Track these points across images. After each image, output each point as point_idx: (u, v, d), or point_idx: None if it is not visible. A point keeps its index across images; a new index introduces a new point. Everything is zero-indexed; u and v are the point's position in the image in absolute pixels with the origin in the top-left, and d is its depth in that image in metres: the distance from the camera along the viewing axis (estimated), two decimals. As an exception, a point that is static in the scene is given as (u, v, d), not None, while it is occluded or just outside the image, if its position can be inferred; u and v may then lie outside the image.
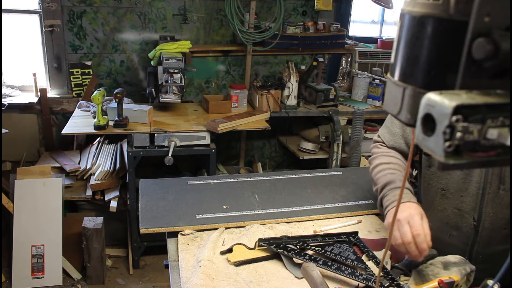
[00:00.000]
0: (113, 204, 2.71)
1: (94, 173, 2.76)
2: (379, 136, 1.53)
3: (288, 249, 1.28)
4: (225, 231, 1.43)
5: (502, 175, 1.25)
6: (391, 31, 4.10)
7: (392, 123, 1.49)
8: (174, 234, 1.40)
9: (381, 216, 1.61)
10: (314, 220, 1.54)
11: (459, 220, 1.33)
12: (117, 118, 2.58)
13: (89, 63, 3.14)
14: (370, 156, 1.54)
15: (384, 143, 1.50)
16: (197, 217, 1.47)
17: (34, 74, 3.06)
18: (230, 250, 1.30)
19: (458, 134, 0.47)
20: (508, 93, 0.49)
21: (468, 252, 1.34)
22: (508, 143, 0.46)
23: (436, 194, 1.38)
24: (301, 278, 1.18)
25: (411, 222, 1.16)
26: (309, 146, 3.20)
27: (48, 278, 2.60)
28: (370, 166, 1.49)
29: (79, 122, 2.66)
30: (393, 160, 1.41)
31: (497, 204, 1.27)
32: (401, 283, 1.15)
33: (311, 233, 1.45)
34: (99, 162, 2.81)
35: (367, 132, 3.25)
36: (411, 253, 1.15)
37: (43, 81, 3.15)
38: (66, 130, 2.55)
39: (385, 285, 1.15)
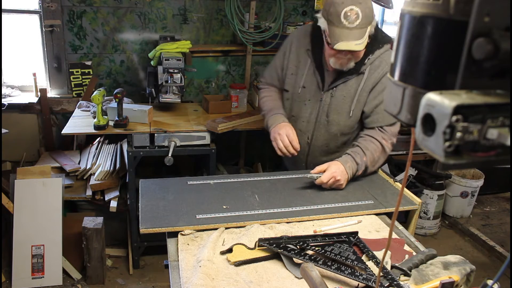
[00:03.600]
0: (113, 204, 2.71)
1: (94, 173, 2.76)
2: (264, 78, 2.16)
3: (288, 249, 1.28)
4: (225, 231, 1.43)
5: (327, 110, 1.90)
6: (391, 31, 4.09)
7: (271, 70, 2.10)
8: (174, 234, 1.40)
9: (381, 216, 1.61)
10: (314, 220, 1.54)
11: (299, 138, 1.92)
12: (117, 118, 2.58)
13: (89, 63, 3.14)
14: None
15: (267, 83, 2.12)
16: (197, 217, 1.47)
17: (34, 74, 3.06)
18: (230, 250, 1.30)
19: (458, 134, 0.47)
20: (508, 93, 0.49)
21: (304, 161, 2.04)
22: (508, 143, 0.46)
23: (289, 117, 1.99)
24: (301, 278, 1.18)
25: (289, 135, 1.86)
26: (309, 146, 3.20)
27: (48, 278, 2.60)
28: (258, 98, 2.15)
29: (79, 122, 2.66)
30: (273, 93, 2.08)
31: (321, 130, 1.94)
32: (401, 283, 1.15)
33: (311, 233, 1.45)
34: (99, 162, 2.81)
35: (367, 132, 3.25)
36: (289, 151, 1.85)
37: (43, 81, 3.15)
38: (66, 130, 2.55)
39: (385, 285, 1.15)
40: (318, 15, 1.75)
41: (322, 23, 1.72)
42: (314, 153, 2.00)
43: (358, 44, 1.65)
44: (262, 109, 2.06)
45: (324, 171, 1.71)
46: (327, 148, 1.98)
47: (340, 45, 1.65)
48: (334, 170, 1.70)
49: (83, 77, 3.13)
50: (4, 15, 2.92)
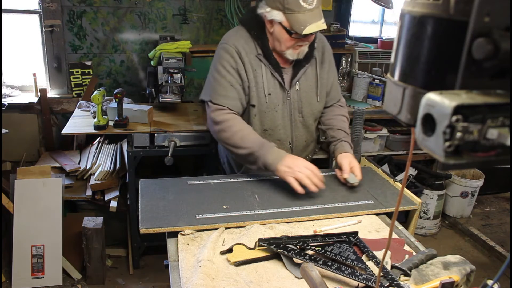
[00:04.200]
0: (113, 204, 2.71)
1: (94, 173, 2.76)
2: (218, 104, 1.76)
3: (288, 249, 1.28)
4: (225, 231, 1.43)
5: (299, 107, 1.84)
6: (391, 31, 4.10)
7: (224, 90, 1.75)
8: (174, 234, 1.40)
9: (381, 216, 1.61)
10: (314, 220, 1.54)
11: (281, 147, 1.76)
12: (117, 118, 2.58)
13: (89, 63, 3.14)
14: (217, 123, 1.75)
15: (230, 109, 1.76)
16: (197, 217, 1.47)
17: (34, 74, 3.06)
18: (230, 250, 1.30)
19: (458, 134, 0.47)
20: (508, 93, 0.49)
21: None
22: (508, 143, 0.46)
23: (262, 133, 1.84)
24: (301, 278, 1.18)
25: (308, 166, 1.63)
26: (309, 146, 3.20)
27: (48, 278, 2.60)
28: (224, 132, 1.74)
29: (79, 122, 2.66)
30: (245, 124, 1.77)
31: (300, 128, 1.89)
32: (401, 283, 1.15)
33: (311, 233, 1.45)
34: (99, 162, 2.81)
35: (367, 132, 3.25)
36: (315, 182, 1.58)
37: (43, 81, 3.15)
38: (66, 130, 2.55)
39: (385, 285, 1.15)
40: (266, 9, 1.66)
41: (275, 15, 1.64)
42: (297, 154, 1.87)
43: (323, 23, 1.64)
44: (243, 146, 1.70)
45: (351, 169, 1.75)
46: (306, 142, 1.97)
47: (310, 28, 1.60)
48: (357, 165, 1.75)
49: (83, 77, 3.13)
50: (4, 15, 2.92)
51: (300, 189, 1.58)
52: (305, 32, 1.60)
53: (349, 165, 1.75)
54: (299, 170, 1.59)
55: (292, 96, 1.84)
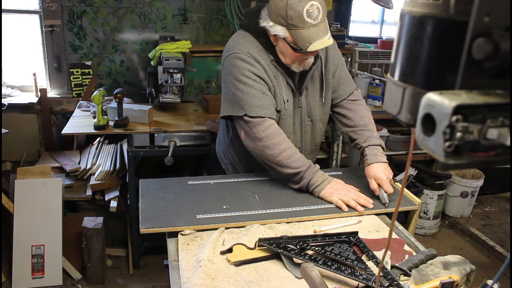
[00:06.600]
0: (113, 204, 2.71)
1: (94, 173, 2.76)
2: (258, 116, 1.63)
3: (288, 249, 1.28)
4: (225, 231, 1.43)
5: (308, 111, 1.81)
6: (391, 31, 4.09)
7: (258, 99, 1.63)
8: (174, 234, 1.40)
9: (381, 216, 1.61)
10: (314, 220, 1.54)
11: None
12: (117, 118, 2.58)
13: (89, 63, 3.14)
14: (260, 137, 1.63)
15: (270, 117, 1.65)
16: (197, 217, 1.47)
17: (34, 74, 3.06)
18: (230, 250, 1.30)
19: (458, 134, 0.47)
20: (508, 93, 0.50)
21: None
22: (508, 143, 0.46)
23: None
24: (301, 278, 1.18)
25: (350, 189, 1.65)
26: (309, 146, 3.19)
27: (48, 278, 2.60)
28: (270, 150, 1.63)
29: (79, 122, 2.66)
30: (290, 142, 1.68)
31: (308, 132, 1.85)
32: (401, 283, 1.15)
33: (311, 233, 1.45)
34: (99, 162, 2.81)
35: (367, 132, 3.25)
36: (361, 203, 1.59)
37: (43, 81, 3.15)
38: (66, 130, 2.55)
39: (385, 285, 1.15)
40: (268, 24, 1.59)
41: (279, 30, 1.57)
42: (305, 157, 1.80)
43: (329, 38, 1.56)
44: (291, 166, 1.63)
45: (378, 183, 1.66)
46: (315, 146, 1.94)
47: (316, 45, 1.53)
48: (383, 176, 1.65)
49: (83, 77, 3.13)
50: (4, 15, 2.92)
51: (346, 208, 1.58)
52: (310, 49, 1.54)
53: (375, 181, 1.66)
54: (344, 193, 1.61)
55: (303, 102, 1.79)
